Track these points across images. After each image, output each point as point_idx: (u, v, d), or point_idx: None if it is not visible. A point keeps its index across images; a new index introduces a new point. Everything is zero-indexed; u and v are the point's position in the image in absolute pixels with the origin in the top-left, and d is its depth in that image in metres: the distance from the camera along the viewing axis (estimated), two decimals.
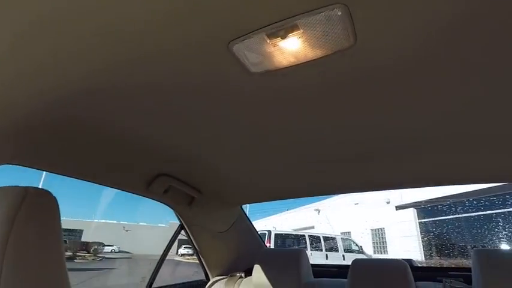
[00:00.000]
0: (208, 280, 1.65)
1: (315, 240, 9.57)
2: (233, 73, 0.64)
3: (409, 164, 1.08)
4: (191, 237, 1.51)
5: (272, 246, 7.60)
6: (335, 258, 8.78)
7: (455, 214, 9.16)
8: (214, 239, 1.58)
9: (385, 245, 11.13)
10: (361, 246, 10.39)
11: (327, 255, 9.02)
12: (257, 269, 1.39)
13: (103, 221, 17.28)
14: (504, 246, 7.93)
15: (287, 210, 19.63)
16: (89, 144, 0.90)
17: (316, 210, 15.10)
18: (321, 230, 11.61)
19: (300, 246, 8.71)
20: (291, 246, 8.76)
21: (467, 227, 8.79)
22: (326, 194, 1.45)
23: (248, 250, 1.74)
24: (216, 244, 1.61)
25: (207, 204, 1.42)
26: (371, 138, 0.92)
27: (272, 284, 1.33)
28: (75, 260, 11.23)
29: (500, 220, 8.02)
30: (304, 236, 9.43)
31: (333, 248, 9.56)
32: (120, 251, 15.30)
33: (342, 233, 11.66)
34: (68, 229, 14.03)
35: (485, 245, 8.12)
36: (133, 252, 14.98)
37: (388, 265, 1.23)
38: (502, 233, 8.02)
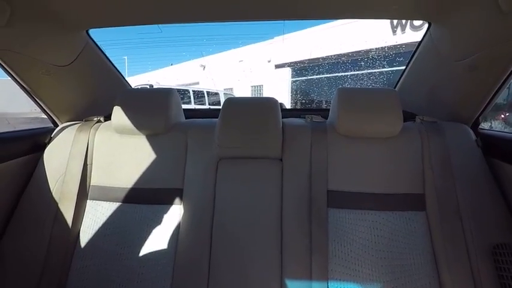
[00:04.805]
0: (57, 126, 1.34)
1: (199, 95, 9.77)
2: None
3: None
4: (10, 71, 1.06)
5: None
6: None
7: (323, 74, 10.66)
8: (52, 75, 1.17)
9: None
10: None
11: (209, 108, 9.57)
12: (117, 110, 1.16)
13: None
14: None
15: (171, 65, 18.61)
16: None
17: (201, 66, 14.82)
18: (205, 86, 11.78)
19: (184, 101, 8.74)
20: None
21: (331, 85, 10.50)
22: (192, 21, 1.16)
23: (108, 92, 1.43)
24: (57, 82, 1.21)
25: (25, 21, 0.94)
26: None
27: (136, 126, 1.15)
28: None
29: (365, 79, 9.60)
30: (188, 91, 9.39)
31: (215, 103, 10.10)
32: None
33: (225, 89, 12.23)
34: None
35: None
36: None
37: (259, 101, 1.22)
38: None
